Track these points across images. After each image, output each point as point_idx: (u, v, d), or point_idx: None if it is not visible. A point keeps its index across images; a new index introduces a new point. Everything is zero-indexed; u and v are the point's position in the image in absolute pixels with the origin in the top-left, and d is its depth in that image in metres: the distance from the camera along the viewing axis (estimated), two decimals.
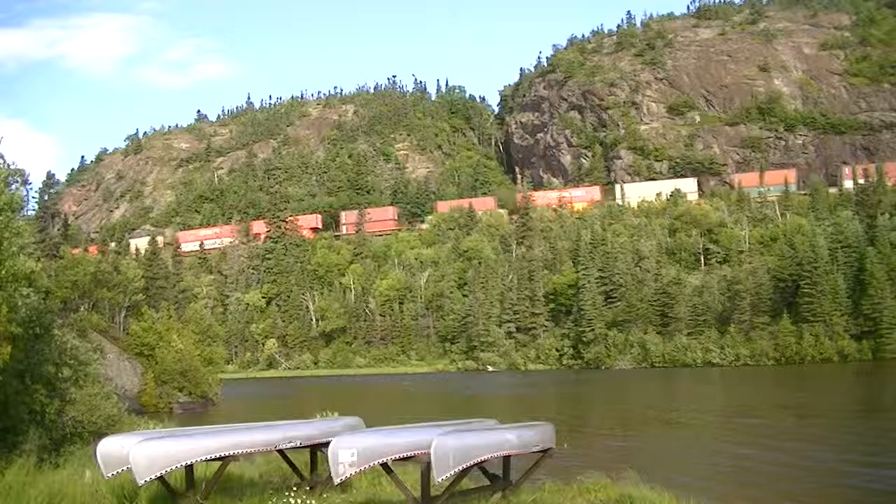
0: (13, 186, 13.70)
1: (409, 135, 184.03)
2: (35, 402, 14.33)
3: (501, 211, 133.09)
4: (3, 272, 12.45)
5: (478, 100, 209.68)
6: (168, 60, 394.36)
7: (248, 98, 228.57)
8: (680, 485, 12.29)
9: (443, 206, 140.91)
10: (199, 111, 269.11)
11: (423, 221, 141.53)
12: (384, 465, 9.19)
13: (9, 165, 13.90)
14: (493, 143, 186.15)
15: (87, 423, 16.77)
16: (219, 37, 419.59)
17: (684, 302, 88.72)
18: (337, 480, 8.68)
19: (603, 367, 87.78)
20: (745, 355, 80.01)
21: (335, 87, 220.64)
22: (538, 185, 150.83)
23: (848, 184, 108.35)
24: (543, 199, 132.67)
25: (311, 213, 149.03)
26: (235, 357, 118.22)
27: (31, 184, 15.76)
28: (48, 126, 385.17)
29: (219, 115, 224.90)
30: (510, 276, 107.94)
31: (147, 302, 64.75)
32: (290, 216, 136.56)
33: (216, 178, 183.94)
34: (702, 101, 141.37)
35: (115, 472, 9.49)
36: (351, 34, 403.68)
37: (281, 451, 11.24)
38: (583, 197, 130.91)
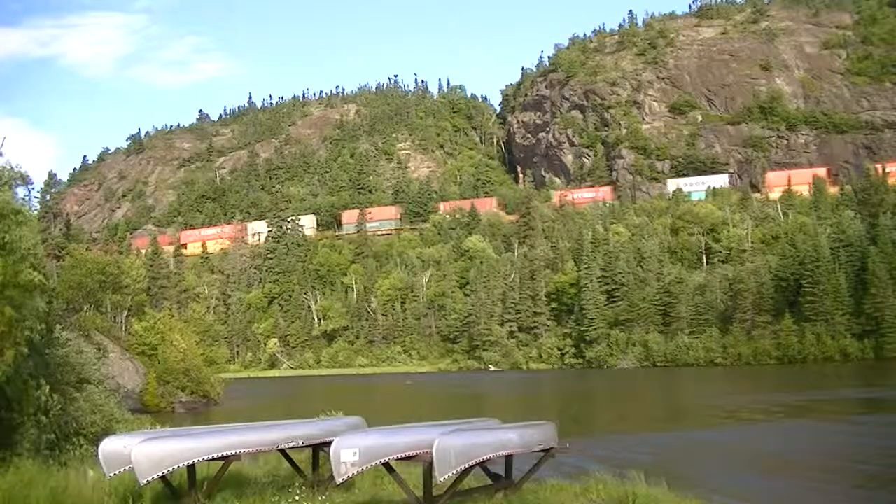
0: (17, 190, 13.65)
1: (410, 134, 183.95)
2: (38, 401, 14.34)
3: (501, 212, 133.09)
4: (8, 279, 12.39)
5: (479, 99, 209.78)
6: (167, 59, 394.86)
7: (250, 98, 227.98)
8: (683, 483, 12.27)
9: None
10: (200, 111, 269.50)
11: (425, 221, 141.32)
12: (386, 465, 9.19)
13: (12, 168, 13.83)
14: (495, 143, 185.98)
15: (90, 422, 16.78)
16: (218, 35, 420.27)
17: (686, 301, 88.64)
18: (339, 480, 8.67)
19: (605, 367, 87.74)
20: (746, 354, 79.91)
21: (337, 87, 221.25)
22: (540, 185, 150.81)
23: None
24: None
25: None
26: (237, 356, 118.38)
27: (32, 184, 15.75)
28: (47, 125, 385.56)
29: (220, 115, 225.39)
30: (512, 276, 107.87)
31: (149, 302, 64.75)
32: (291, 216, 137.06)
33: (218, 178, 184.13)
34: (703, 101, 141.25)
35: (117, 472, 9.48)
36: (352, 33, 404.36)
37: (283, 451, 11.23)
38: (221, 234, 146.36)
